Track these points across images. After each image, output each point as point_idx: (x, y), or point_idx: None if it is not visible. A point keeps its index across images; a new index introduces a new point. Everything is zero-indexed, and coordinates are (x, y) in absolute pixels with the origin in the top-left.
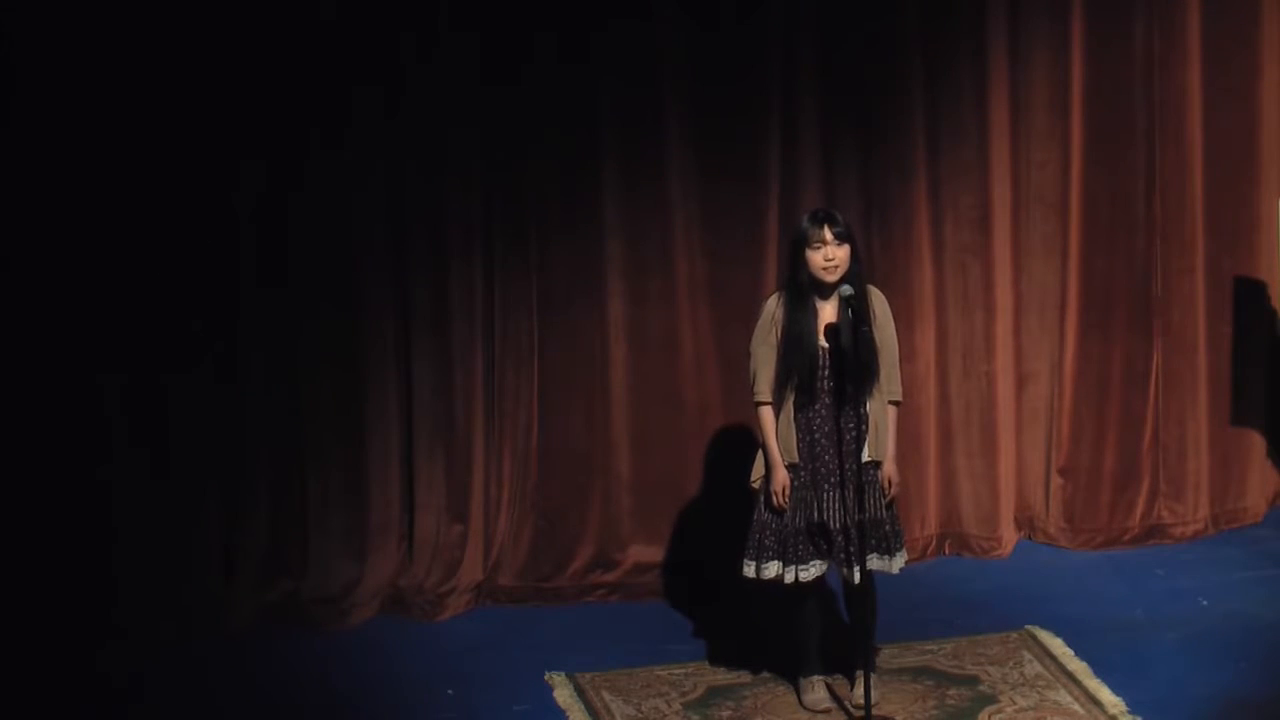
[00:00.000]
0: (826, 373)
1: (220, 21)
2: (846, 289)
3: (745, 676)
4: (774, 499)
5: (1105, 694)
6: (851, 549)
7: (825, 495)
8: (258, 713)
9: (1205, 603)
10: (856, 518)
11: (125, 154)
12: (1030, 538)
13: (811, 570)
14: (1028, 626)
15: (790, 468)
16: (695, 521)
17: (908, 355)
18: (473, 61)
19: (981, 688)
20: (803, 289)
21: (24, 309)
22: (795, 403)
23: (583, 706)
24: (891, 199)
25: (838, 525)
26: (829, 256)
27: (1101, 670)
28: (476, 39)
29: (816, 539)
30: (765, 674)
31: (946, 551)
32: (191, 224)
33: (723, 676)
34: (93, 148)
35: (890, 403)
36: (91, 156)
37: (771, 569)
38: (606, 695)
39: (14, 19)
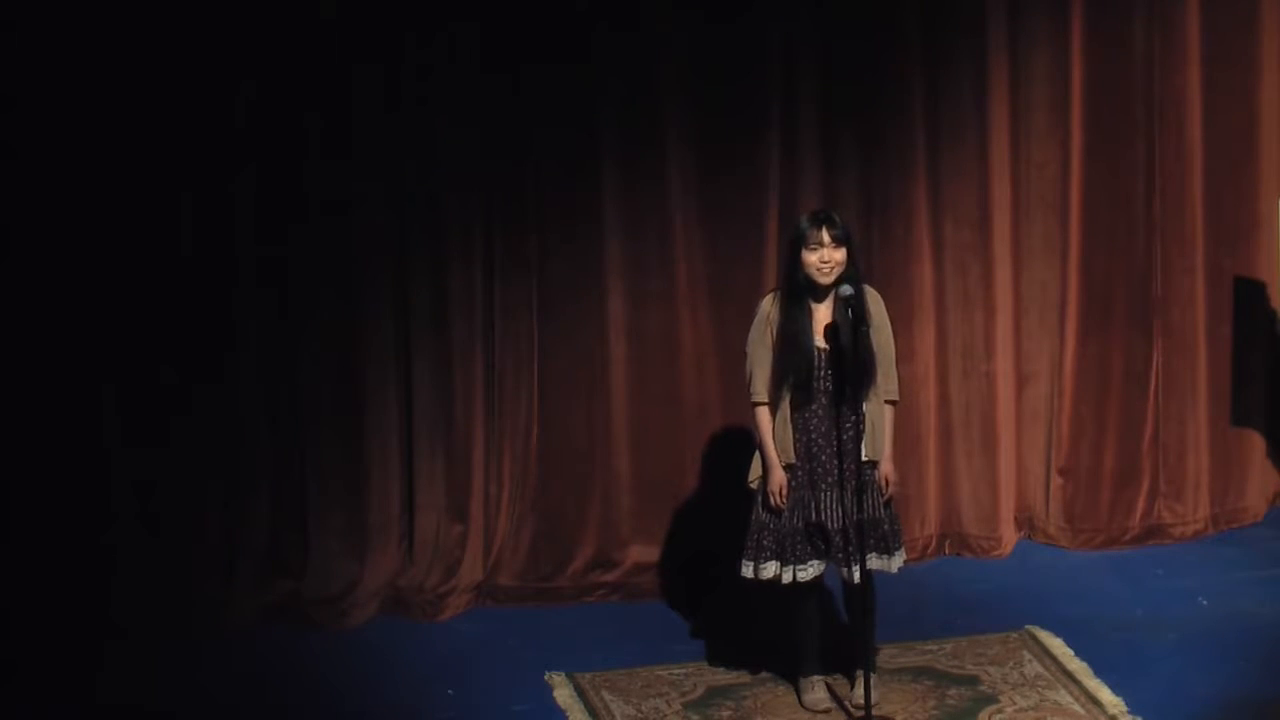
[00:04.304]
0: (823, 373)
1: (219, 18)
2: (846, 289)
3: (745, 676)
4: (771, 499)
5: (1105, 694)
6: (850, 549)
7: (823, 495)
8: (258, 713)
9: (1205, 603)
10: (855, 517)
11: (122, 151)
12: (1030, 538)
13: (809, 570)
14: (1028, 626)
15: (788, 468)
16: (695, 521)
17: (907, 355)
18: (473, 60)
19: (981, 688)
20: (798, 289)
21: (21, 308)
22: (792, 403)
23: (583, 706)
24: (891, 199)
25: (836, 525)
26: (825, 259)
27: (1101, 670)
28: (476, 38)
29: (814, 539)
30: (765, 674)
31: (946, 551)
32: (191, 224)
33: (723, 676)
34: (89, 147)
35: (887, 402)
36: (88, 155)
37: (770, 569)
38: (606, 695)
39: (12, 17)
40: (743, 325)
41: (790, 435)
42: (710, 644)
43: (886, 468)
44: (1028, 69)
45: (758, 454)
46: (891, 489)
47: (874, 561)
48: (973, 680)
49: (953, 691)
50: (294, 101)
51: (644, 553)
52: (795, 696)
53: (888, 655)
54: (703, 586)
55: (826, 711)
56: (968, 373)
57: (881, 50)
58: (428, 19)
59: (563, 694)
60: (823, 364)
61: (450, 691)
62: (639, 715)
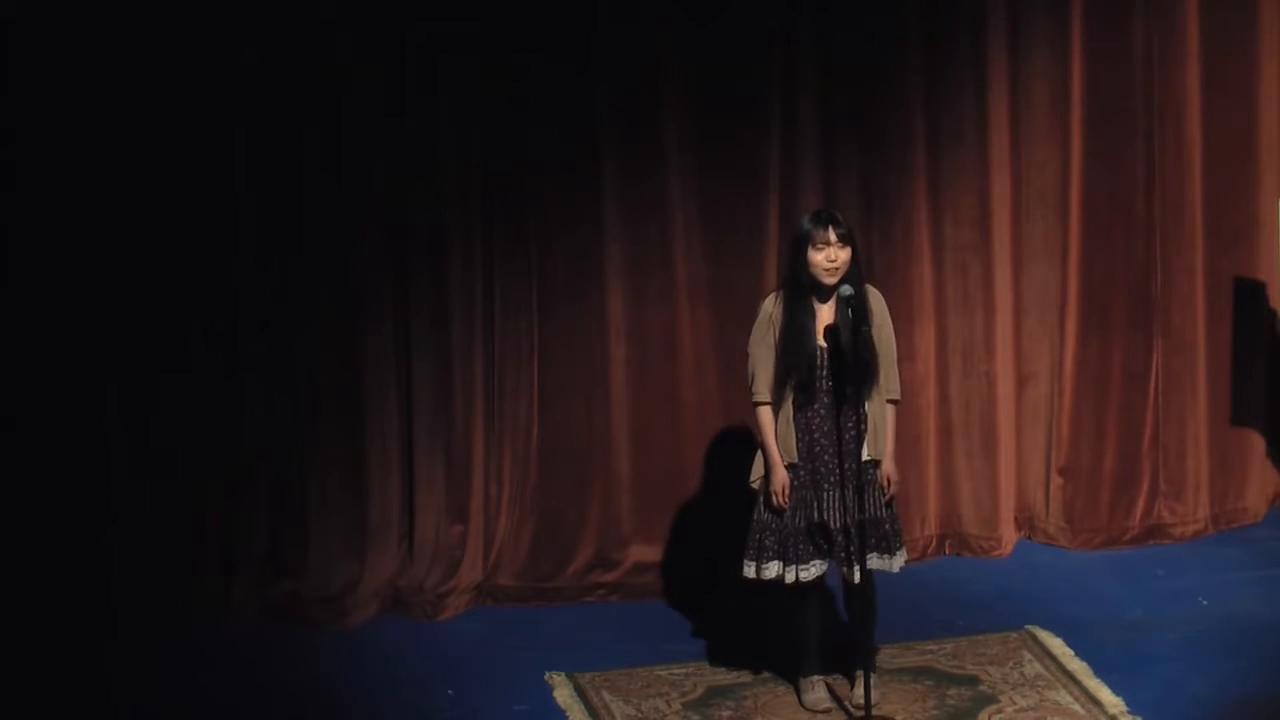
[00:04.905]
0: (825, 373)
1: (218, 19)
2: (846, 289)
3: (745, 676)
4: (773, 499)
5: (1105, 694)
6: (851, 548)
7: (825, 495)
8: (257, 712)
9: (1205, 603)
10: (856, 517)
11: (122, 154)
12: (1030, 538)
13: (811, 570)
14: (1028, 626)
15: (790, 468)
16: (695, 521)
17: (908, 355)
18: (472, 60)
19: (981, 688)
20: (801, 289)
21: (23, 310)
22: (794, 403)
23: (583, 706)
24: (891, 199)
25: (838, 525)
26: (831, 258)
27: (1101, 670)
28: (476, 38)
29: (816, 539)
30: (765, 674)
31: (946, 551)
32: (191, 225)
33: (723, 676)
34: (89, 148)
35: (889, 401)
36: (88, 157)
37: (772, 569)
38: (606, 695)
39: (12, 18)
40: (743, 325)
41: (793, 435)
42: (710, 644)
43: (888, 467)
44: (1028, 69)
45: (759, 454)
46: (893, 489)
47: (875, 561)
48: (973, 680)
49: (953, 691)
50: (294, 101)
51: (644, 553)
52: (795, 696)
53: (888, 655)
54: (703, 586)
55: (827, 711)
56: (968, 373)
57: (881, 50)
58: (428, 20)
59: (563, 694)
60: (825, 364)
61: (450, 691)
62: (639, 715)
